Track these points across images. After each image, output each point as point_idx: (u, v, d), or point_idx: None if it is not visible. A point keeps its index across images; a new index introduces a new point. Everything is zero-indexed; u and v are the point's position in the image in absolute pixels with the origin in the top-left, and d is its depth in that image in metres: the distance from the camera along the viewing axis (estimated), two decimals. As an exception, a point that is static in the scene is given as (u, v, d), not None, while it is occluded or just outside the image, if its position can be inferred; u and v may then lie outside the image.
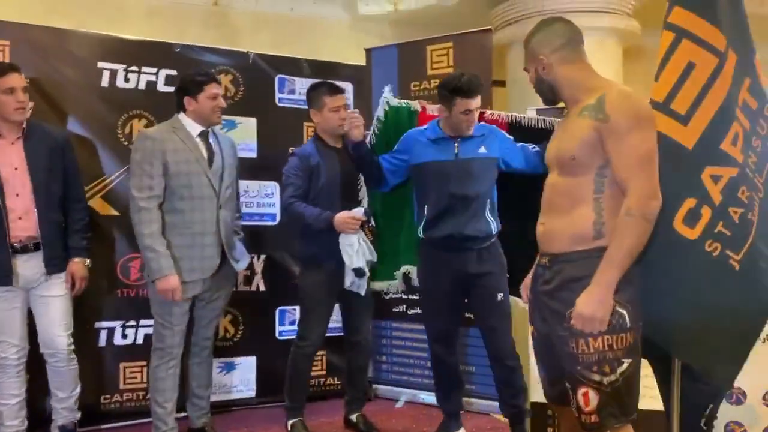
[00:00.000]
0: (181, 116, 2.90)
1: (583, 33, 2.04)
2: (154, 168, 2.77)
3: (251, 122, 3.68)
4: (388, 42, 3.81)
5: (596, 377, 1.86)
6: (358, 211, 2.96)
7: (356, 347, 3.23)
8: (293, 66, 3.80)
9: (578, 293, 1.87)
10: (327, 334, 3.22)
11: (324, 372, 3.76)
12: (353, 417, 3.27)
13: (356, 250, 2.94)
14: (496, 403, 3.45)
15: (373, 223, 3.16)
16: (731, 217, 1.95)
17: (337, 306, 3.21)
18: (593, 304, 1.83)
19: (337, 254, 2.96)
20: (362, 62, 3.81)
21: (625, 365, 1.86)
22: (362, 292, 3.05)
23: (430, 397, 3.49)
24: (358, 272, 2.96)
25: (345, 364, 3.40)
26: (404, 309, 3.74)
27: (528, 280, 2.20)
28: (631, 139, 1.83)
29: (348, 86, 3.92)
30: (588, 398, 1.87)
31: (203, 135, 2.91)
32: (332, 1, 4.67)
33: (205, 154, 2.89)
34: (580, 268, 1.89)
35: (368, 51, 3.80)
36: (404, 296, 3.63)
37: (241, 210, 3.30)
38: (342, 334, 3.32)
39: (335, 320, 3.28)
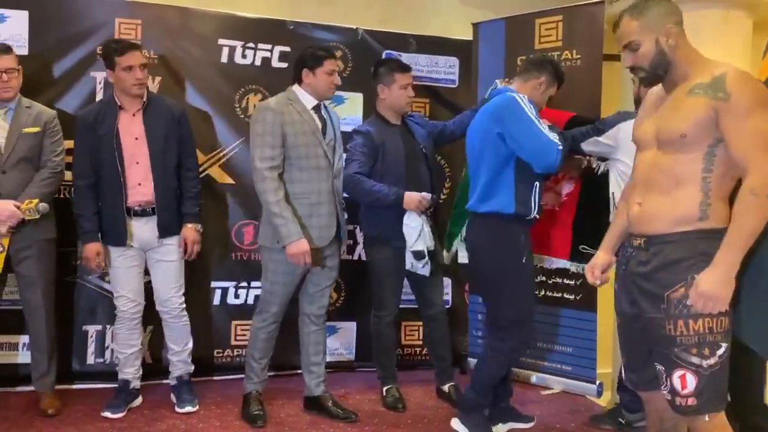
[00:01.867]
0: (296, 88, 2.96)
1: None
2: (275, 139, 2.83)
3: (358, 97, 3.78)
4: (498, 16, 3.75)
5: (695, 360, 1.83)
6: (427, 195, 3.00)
7: (432, 321, 3.28)
8: (400, 42, 3.85)
9: (678, 275, 1.84)
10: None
11: (420, 342, 3.85)
12: (445, 387, 3.33)
13: (419, 233, 2.98)
14: (593, 386, 3.41)
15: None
16: None
17: None
18: (718, 283, 1.79)
19: (401, 234, 3.02)
20: (470, 37, 3.79)
21: (723, 349, 1.83)
22: (425, 273, 3.05)
23: (525, 375, 3.50)
24: (417, 255, 3.00)
25: (426, 337, 3.47)
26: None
27: (596, 260, 2.16)
28: (754, 118, 1.78)
29: (454, 61, 3.94)
30: (685, 381, 1.84)
31: (316, 108, 2.97)
32: (443, -25, 4.62)
33: (319, 125, 2.94)
34: (681, 249, 1.85)
35: (475, 25, 3.76)
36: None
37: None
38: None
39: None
